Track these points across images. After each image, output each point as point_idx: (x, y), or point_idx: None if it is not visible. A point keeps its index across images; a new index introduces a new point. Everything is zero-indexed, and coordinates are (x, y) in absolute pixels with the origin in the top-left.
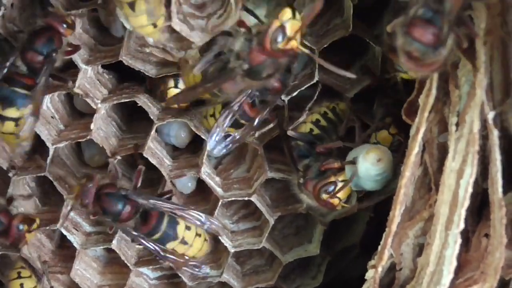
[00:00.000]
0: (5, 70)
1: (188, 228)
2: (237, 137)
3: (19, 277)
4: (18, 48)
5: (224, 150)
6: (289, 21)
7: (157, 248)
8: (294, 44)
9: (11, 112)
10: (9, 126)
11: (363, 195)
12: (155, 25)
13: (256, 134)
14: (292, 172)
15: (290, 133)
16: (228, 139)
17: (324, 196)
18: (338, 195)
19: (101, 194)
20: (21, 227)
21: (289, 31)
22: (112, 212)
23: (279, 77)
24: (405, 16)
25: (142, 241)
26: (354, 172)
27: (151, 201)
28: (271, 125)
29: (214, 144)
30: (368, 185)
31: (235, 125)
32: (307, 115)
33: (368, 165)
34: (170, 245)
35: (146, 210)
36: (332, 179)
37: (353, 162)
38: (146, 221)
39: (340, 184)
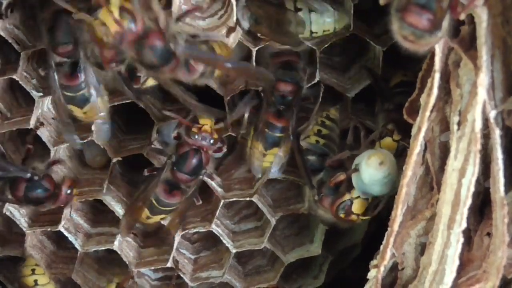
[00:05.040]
0: None
1: None
2: (281, 154)
3: (33, 273)
4: None
5: (280, 173)
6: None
7: None
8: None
9: None
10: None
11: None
12: None
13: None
14: (293, 173)
15: (304, 144)
16: (278, 161)
17: (342, 214)
18: (355, 211)
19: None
20: (69, 191)
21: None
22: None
23: (290, 78)
24: None
25: None
26: (358, 182)
27: None
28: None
29: (277, 173)
30: (376, 190)
31: (275, 143)
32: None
33: (371, 170)
34: None
35: None
36: (347, 197)
37: (357, 170)
38: None
39: (355, 202)
